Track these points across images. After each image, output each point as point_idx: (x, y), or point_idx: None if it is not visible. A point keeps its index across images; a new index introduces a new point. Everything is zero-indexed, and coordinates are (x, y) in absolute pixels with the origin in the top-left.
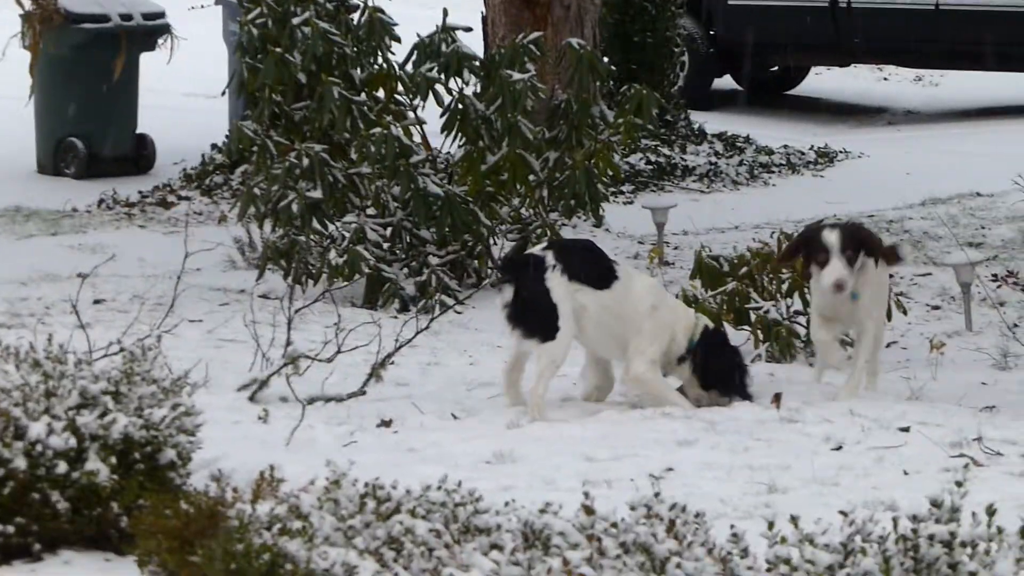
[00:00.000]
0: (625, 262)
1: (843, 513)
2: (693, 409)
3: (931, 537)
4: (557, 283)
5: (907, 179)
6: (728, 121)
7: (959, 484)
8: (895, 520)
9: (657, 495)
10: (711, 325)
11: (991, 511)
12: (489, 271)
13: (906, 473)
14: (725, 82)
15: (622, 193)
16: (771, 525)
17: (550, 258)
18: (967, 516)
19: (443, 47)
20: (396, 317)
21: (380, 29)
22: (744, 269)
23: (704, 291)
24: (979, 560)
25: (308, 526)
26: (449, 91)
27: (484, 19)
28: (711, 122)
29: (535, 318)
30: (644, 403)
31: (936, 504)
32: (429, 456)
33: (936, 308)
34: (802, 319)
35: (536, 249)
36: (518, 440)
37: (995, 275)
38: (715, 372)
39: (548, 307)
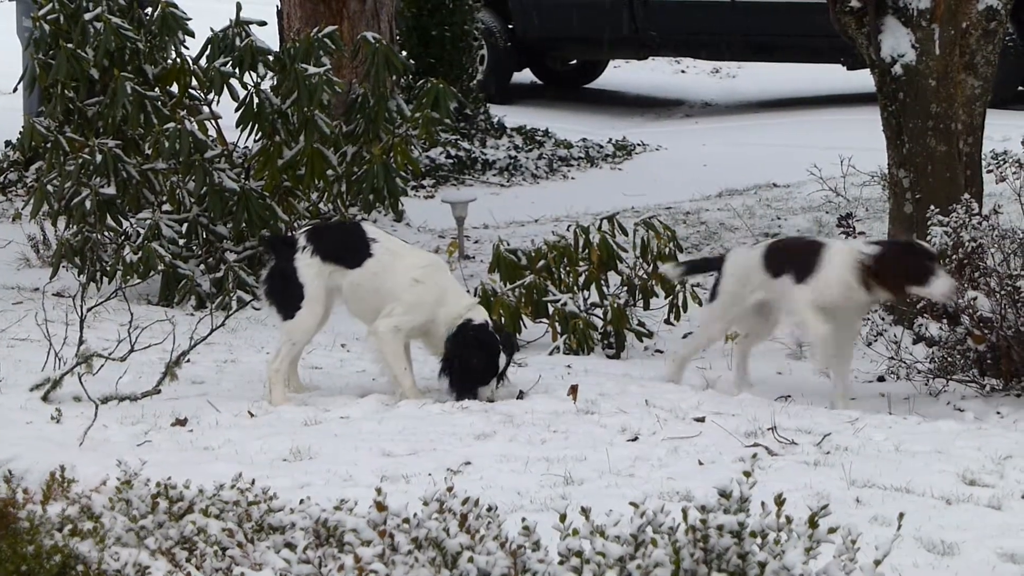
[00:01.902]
0: (408, 243)
1: (634, 504)
2: (416, 392)
3: (720, 527)
4: (306, 263)
5: (704, 171)
6: (528, 115)
7: (747, 474)
8: (685, 511)
9: (450, 490)
10: (486, 322)
11: (780, 501)
12: None
13: (701, 463)
14: (525, 76)
15: (423, 187)
16: (563, 517)
17: (302, 240)
18: (760, 505)
19: (237, 41)
20: (192, 314)
21: (173, 23)
22: (542, 262)
23: (503, 284)
24: (768, 550)
25: (100, 527)
26: (244, 85)
27: (279, 13)
28: (511, 116)
29: (280, 296)
30: (377, 367)
31: (725, 494)
32: (224, 454)
33: None
34: (599, 311)
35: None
36: (315, 437)
37: None
38: (451, 363)
39: (293, 286)
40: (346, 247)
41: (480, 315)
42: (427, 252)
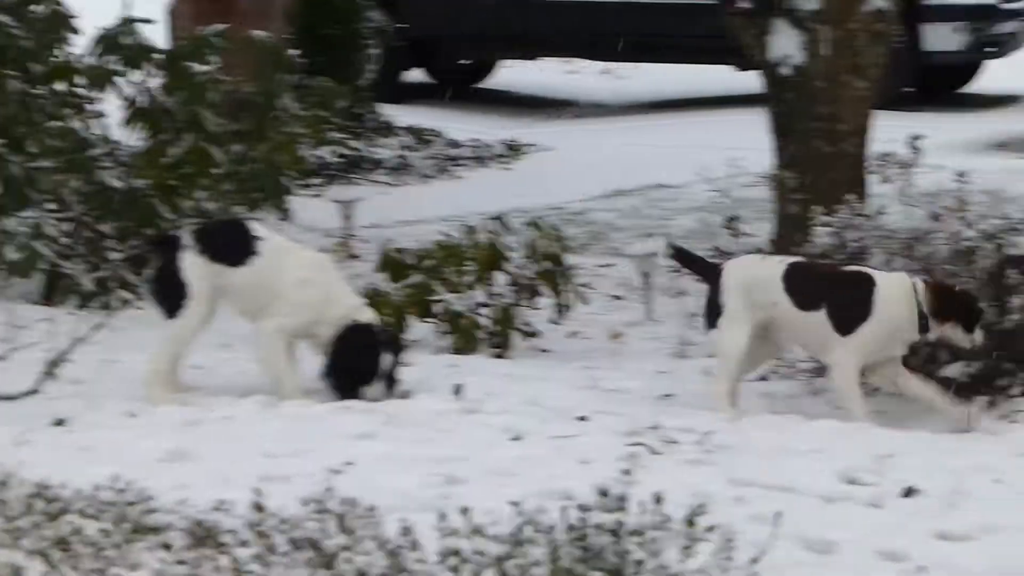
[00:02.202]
0: (294, 241)
1: (514, 504)
2: (298, 393)
3: (599, 526)
4: (190, 262)
5: (593, 171)
6: (418, 114)
7: (627, 472)
8: (563, 509)
9: (329, 490)
10: (372, 322)
11: (658, 499)
12: None
13: (583, 462)
14: (416, 75)
15: (311, 186)
16: (442, 517)
17: (187, 238)
18: (639, 504)
19: (125, 39)
20: (74, 314)
21: (59, 21)
22: (429, 262)
23: (390, 284)
24: (646, 548)
25: None
26: (132, 84)
27: (169, 11)
28: (401, 115)
29: (164, 295)
30: (260, 368)
31: (604, 493)
32: (103, 455)
33: (618, 298)
34: (485, 311)
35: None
36: (196, 437)
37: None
38: (334, 363)
39: (177, 285)
40: (232, 245)
41: (366, 315)
42: (314, 251)
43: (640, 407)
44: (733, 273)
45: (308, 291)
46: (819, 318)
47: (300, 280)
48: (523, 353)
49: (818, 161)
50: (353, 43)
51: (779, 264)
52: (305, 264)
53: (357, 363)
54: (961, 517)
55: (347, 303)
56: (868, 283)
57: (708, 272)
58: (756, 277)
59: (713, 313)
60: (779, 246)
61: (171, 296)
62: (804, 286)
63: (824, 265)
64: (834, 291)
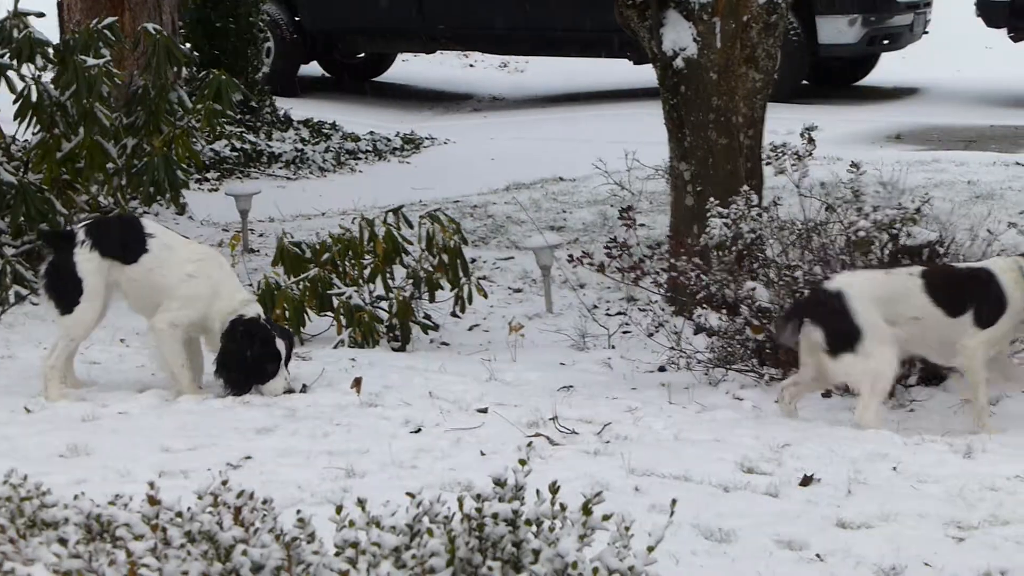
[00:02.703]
0: (187, 237)
1: (411, 495)
2: (194, 388)
3: (495, 516)
4: (85, 258)
5: (492, 165)
6: (315, 108)
7: (523, 463)
8: (460, 500)
9: (225, 483)
10: (259, 316)
11: (554, 489)
12: None
13: (483, 454)
14: (313, 69)
15: (207, 180)
16: (339, 509)
17: (81, 234)
18: (535, 494)
19: (15, 33)
20: None
21: None
22: (327, 255)
23: (287, 278)
24: (543, 537)
25: None
26: (22, 78)
27: (60, 4)
28: (298, 109)
29: (58, 291)
30: (156, 363)
31: (500, 483)
32: (1, 450)
33: (518, 291)
34: (384, 304)
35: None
36: (93, 433)
37: (571, 256)
38: (224, 358)
39: (71, 281)
40: (123, 242)
41: (253, 310)
42: (203, 246)
43: (540, 399)
44: (862, 292)
45: (196, 286)
46: (965, 321)
47: (187, 275)
48: (423, 346)
49: (713, 153)
50: (248, 36)
51: (911, 277)
52: (192, 259)
53: (246, 357)
54: (858, 505)
55: (235, 298)
56: (991, 276)
57: (821, 304)
58: (894, 293)
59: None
60: (675, 238)
61: (66, 292)
62: (948, 294)
63: (947, 268)
64: (973, 291)
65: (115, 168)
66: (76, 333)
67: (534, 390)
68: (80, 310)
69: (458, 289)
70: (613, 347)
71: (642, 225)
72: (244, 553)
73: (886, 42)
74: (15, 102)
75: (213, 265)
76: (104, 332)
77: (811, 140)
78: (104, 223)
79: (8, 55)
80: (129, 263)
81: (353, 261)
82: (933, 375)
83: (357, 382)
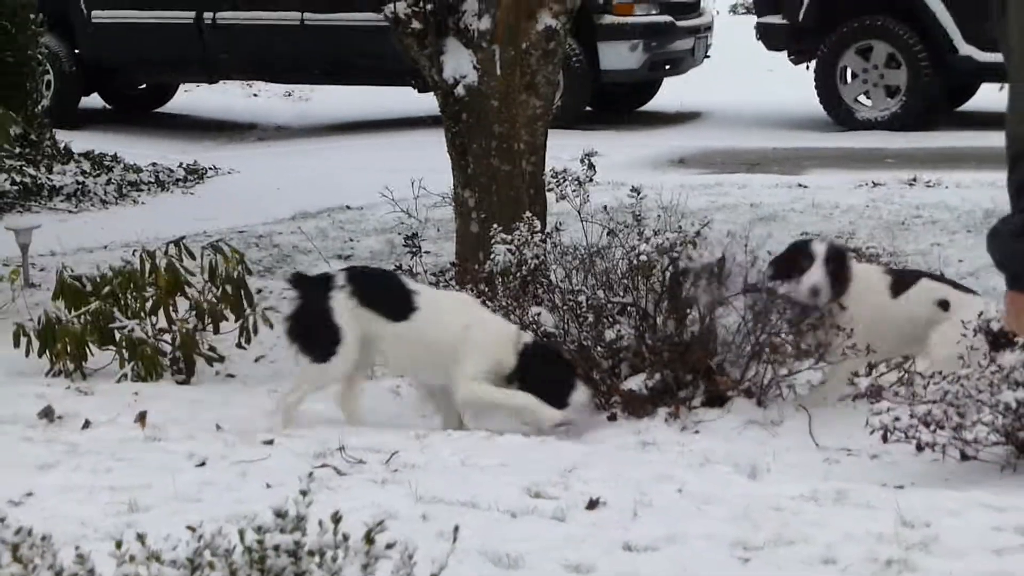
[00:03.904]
0: (426, 285)
1: (191, 528)
2: (548, 410)
3: (277, 547)
4: (343, 305)
5: (278, 194)
6: (96, 140)
7: (304, 493)
8: (241, 532)
9: (2, 520)
10: (532, 339)
11: (336, 519)
12: None
13: (269, 486)
14: (94, 100)
15: None
16: (119, 544)
17: (341, 279)
18: (320, 524)
19: None
20: None
21: None
22: (108, 288)
23: (68, 312)
24: (327, 568)
25: None
26: None
27: None
28: (79, 141)
29: (309, 337)
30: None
31: (281, 514)
32: None
33: None
34: (167, 336)
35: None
36: None
37: None
38: (536, 388)
39: (328, 327)
40: (388, 297)
41: (525, 335)
42: (449, 292)
43: (328, 429)
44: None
45: (475, 335)
46: None
47: (464, 327)
48: (208, 378)
49: (495, 180)
50: (26, 68)
51: None
52: (457, 310)
53: (552, 379)
54: (644, 527)
55: (508, 330)
56: None
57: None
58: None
59: None
60: (461, 265)
61: (320, 339)
62: None
63: None
64: None
65: None
66: (323, 382)
67: (322, 420)
68: (336, 360)
69: (243, 320)
70: (402, 375)
71: (428, 252)
72: None
73: (668, 67)
74: None
75: (476, 308)
76: None
77: (591, 166)
78: (364, 271)
79: None
80: (399, 321)
81: (135, 294)
82: (717, 397)
83: (141, 416)
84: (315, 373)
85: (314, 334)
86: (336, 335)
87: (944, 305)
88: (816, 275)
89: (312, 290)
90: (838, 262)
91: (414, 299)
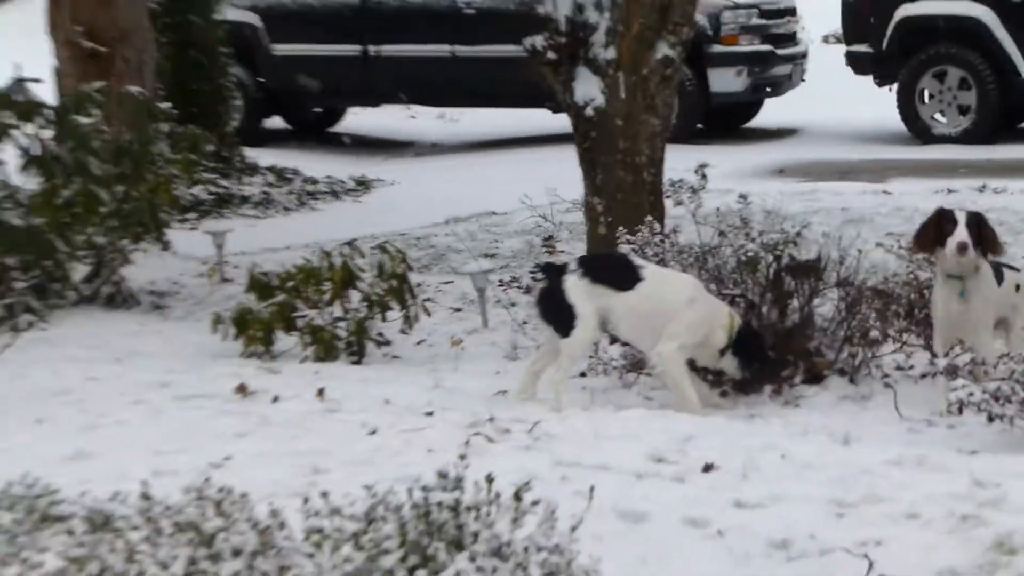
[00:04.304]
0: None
1: (367, 487)
2: (699, 408)
3: (440, 504)
4: (574, 285)
5: (433, 202)
6: (279, 156)
7: (462, 457)
8: (409, 491)
9: (207, 480)
10: (740, 323)
11: (489, 479)
12: (71, 293)
13: (430, 451)
14: (276, 122)
15: (187, 220)
16: (306, 500)
17: (572, 264)
18: (476, 484)
19: (17, 97)
20: None
21: None
22: (291, 283)
23: (257, 302)
24: (481, 521)
25: None
26: (25, 135)
27: (56, 71)
28: (264, 157)
29: (554, 317)
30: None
31: (443, 475)
32: (15, 456)
33: (458, 310)
34: (342, 324)
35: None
36: (96, 439)
37: (501, 280)
38: (751, 363)
39: (564, 307)
40: (616, 271)
41: (736, 317)
42: (681, 273)
43: (478, 403)
44: None
45: (699, 308)
46: None
47: (690, 300)
48: (377, 359)
49: (621, 188)
50: (219, 95)
51: None
52: (685, 286)
53: (766, 355)
54: (752, 488)
55: (725, 311)
56: None
57: None
58: None
59: None
60: None
61: (561, 317)
62: None
63: None
64: None
65: (107, 212)
66: (575, 353)
67: (473, 396)
68: (577, 332)
69: (406, 310)
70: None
71: (562, 252)
72: (225, 540)
73: (768, 90)
74: (19, 157)
75: (702, 288)
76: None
77: (704, 176)
78: (593, 256)
79: (11, 116)
80: (626, 290)
81: (314, 287)
82: (814, 376)
83: (320, 392)
84: (570, 347)
85: (557, 313)
86: (571, 316)
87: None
88: (962, 234)
89: (556, 272)
90: (981, 224)
91: (641, 273)
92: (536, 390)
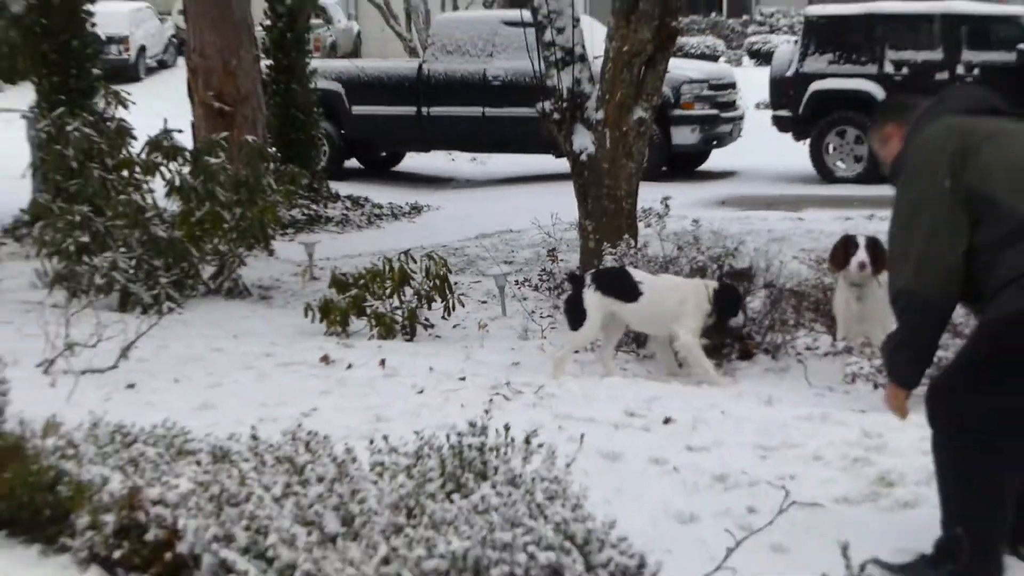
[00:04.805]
0: (639, 273)
1: (416, 432)
2: (718, 379)
3: (470, 445)
4: (590, 297)
5: (466, 222)
6: (354, 188)
7: (487, 411)
8: (448, 435)
9: (299, 426)
10: (714, 285)
11: (506, 427)
12: (201, 287)
13: (463, 406)
14: (353, 163)
15: (287, 234)
16: (371, 442)
17: (588, 279)
18: (497, 431)
19: (164, 143)
20: (139, 317)
21: (124, 132)
22: (362, 281)
23: (337, 295)
24: (500, 458)
25: (78, 453)
26: (170, 170)
27: (193, 124)
28: (343, 188)
29: (572, 316)
30: (686, 364)
31: (472, 424)
32: (159, 406)
33: (484, 303)
34: (399, 311)
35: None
36: (217, 395)
37: (516, 281)
38: (735, 309)
39: (580, 310)
40: (622, 286)
41: (711, 284)
42: (665, 276)
43: (498, 371)
44: None
45: (689, 301)
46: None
47: (680, 302)
48: (424, 338)
49: (605, 214)
50: (311, 143)
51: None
52: (672, 291)
53: (740, 299)
54: (700, 436)
55: (701, 287)
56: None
57: None
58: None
59: None
60: (583, 269)
61: (576, 317)
62: None
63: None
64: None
65: (228, 227)
66: (578, 343)
67: (495, 365)
68: (583, 330)
69: (446, 301)
70: (545, 338)
71: (562, 260)
72: (312, 469)
73: (715, 143)
74: (166, 187)
75: (682, 283)
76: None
77: (667, 206)
78: (605, 272)
79: (161, 156)
80: (630, 302)
81: (378, 284)
82: (746, 354)
83: (382, 362)
84: (576, 339)
85: (573, 311)
86: (581, 313)
87: None
88: (862, 255)
89: (577, 281)
90: (876, 246)
91: (640, 288)
92: (614, 364)
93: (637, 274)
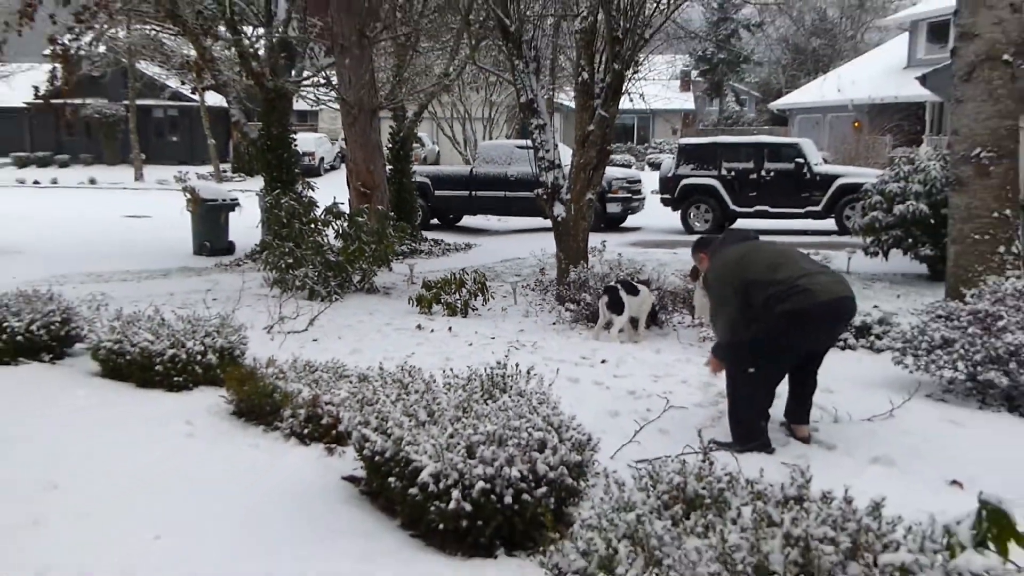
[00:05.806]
0: (637, 287)
1: (468, 367)
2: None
3: (497, 374)
4: (622, 294)
5: (496, 254)
6: (435, 235)
7: (506, 356)
8: (485, 368)
9: (405, 362)
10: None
11: (516, 365)
12: (353, 288)
13: (493, 353)
14: (435, 221)
15: (399, 259)
16: (443, 372)
17: (618, 286)
18: (513, 367)
19: (334, 210)
20: (319, 304)
21: (312, 203)
22: (440, 285)
23: (425, 292)
24: (512, 381)
25: (285, 375)
26: (337, 225)
27: (349, 200)
28: (430, 235)
29: (616, 306)
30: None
31: (499, 363)
32: (330, 351)
33: (505, 297)
34: (458, 300)
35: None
36: (361, 345)
37: (523, 285)
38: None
39: (620, 302)
40: (630, 289)
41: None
42: (643, 288)
43: (513, 335)
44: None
45: (646, 296)
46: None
47: (644, 296)
48: (472, 317)
49: (570, 250)
50: (413, 210)
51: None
52: (647, 292)
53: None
54: (621, 370)
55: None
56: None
57: None
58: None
59: None
60: (559, 280)
61: (618, 306)
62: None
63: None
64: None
65: (368, 255)
66: (621, 322)
67: (510, 332)
68: (625, 313)
69: (484, 296)
70: (538, 316)
71: (545, 275)
72: (411, 384)
73: (630, 211)
74: (335, 234)
75: (646, 290)
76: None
77: (604, 246)
78: (623, 281)
79: (332, 217)
80: (633, 296)
81: (448, 286)
82: (654, 321)
83: (449, 328)
84: (621, 320)
85: (617, 305)
86: (623, 305)
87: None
88: (696, 272)
89: (613, 290)
90: (696, 272)
91: (638, 288)
92: (641, 335)
93: (634, 284)
